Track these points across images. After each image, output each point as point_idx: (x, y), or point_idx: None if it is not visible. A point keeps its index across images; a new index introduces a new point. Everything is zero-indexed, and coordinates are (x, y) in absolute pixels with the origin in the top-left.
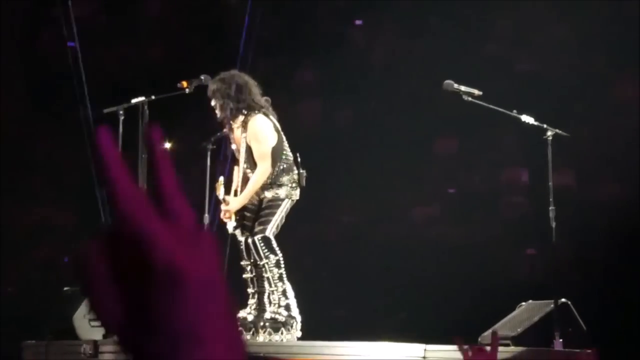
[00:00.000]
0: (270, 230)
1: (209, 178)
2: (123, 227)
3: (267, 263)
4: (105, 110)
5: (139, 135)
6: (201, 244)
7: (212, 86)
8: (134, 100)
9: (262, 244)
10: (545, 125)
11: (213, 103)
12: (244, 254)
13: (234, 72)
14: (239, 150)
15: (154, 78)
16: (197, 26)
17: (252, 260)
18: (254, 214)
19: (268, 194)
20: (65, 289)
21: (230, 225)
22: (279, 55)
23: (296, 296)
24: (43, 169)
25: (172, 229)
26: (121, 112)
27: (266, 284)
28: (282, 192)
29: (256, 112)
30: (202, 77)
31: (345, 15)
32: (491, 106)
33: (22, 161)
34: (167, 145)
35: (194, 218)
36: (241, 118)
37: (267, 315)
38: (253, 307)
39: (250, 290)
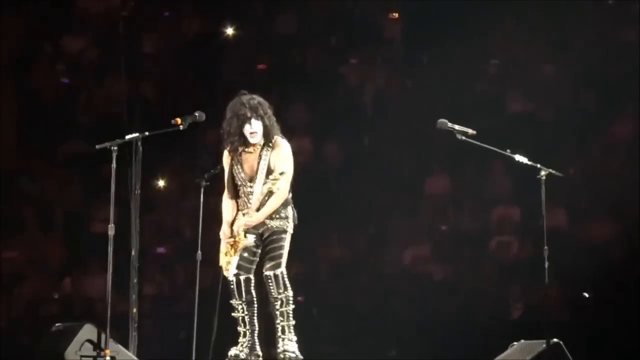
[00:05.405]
0: (284, 264)
1: (202, 215)
2: None
3: (287, 295)
4: (98, 146)
5: (133, 171)
6: None
7: (263, 104)
8: (128, 137)
9: (285, 277)
10: (538, 165)
11: (257, 123)
12: (235, 292)
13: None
14: (249, 175)
15: (148, 114)
16: (190, 63)
17: (243, 300)
18: (252, 249)
19: (273, 223)
20: (57, 325)
21: (231, 271)
22: (272, 92)
23: None
24: (32, 204)
25: None
26: (114, 148)
27: (280, 318)
28: (289, 224)
29: (280, 135)
30: (197, 114)
31: (338, 53)
32: (485, 145)
33: (11, 195)
34: (161, 182)
35: None
36: (262, 141)
37: (290, 347)
38: (245, 344)
39: (240, 329)
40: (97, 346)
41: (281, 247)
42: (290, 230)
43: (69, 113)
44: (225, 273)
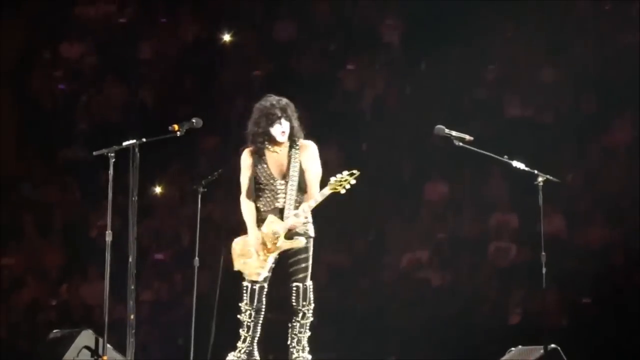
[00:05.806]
0: (310, 275)
1: (200, 221)
2: None
3: (309, 309)
4: (95, 153)
5: (130, 178)
6: None
7: (291, 105)
8: (125, 143)
9: (311, 290)
10: (536, 171)
11: (287, 123)
12: (247, 298)
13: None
14: (279, 173)
15: (146, 120)
16: (188, 69)
17: (253, 307)
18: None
19: (299, 229)
20: (55, 331)
21: (263, 274)
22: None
23: (285, 340)
24: (31, 210)
25: None
26: (112, 154)
27: (299, 329)
28: (311, 229)
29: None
30: (194, 120)
31: (336, 58)
32: (482, 151)
33: (10, 201)
34: (158, 189)
35: None
36: (288, 142)
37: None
38: (243, 350)
39: (242, 333)
40: (94, 352)
41: (308, 258)
42: (312, 234)
43: (67, 119)
44: (254, 277)
